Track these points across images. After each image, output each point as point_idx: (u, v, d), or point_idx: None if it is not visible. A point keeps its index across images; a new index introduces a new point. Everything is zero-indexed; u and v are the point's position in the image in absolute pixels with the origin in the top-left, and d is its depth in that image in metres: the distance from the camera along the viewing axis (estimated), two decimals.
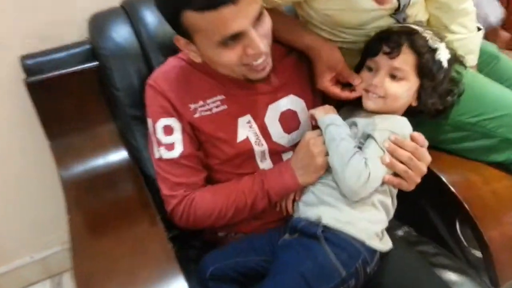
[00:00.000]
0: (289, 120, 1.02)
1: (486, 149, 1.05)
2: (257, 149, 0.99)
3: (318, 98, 1.06)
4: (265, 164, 1.01)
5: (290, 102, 1.02)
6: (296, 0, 0.98)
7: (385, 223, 0.93)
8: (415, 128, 0.94)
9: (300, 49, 1.03)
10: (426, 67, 0.93)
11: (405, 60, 0.93)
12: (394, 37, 0.94)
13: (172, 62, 1.00)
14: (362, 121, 0.95)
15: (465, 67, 1.01)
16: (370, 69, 0.97)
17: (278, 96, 1.01)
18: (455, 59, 0.99)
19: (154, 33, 1.15)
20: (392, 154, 0.88)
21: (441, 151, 1.08)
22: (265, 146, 0.99)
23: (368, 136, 0.92)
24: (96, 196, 1.05)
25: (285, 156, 1.02)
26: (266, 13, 0.85)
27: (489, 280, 1.00)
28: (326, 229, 0.88)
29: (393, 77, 0.93)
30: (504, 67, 1.19)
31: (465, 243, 1.08)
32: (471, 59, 1.12)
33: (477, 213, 0.99)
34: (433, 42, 0.94)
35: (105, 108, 1.18)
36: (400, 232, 1.16)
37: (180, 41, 0.88)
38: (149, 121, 0.98)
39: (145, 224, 0.96)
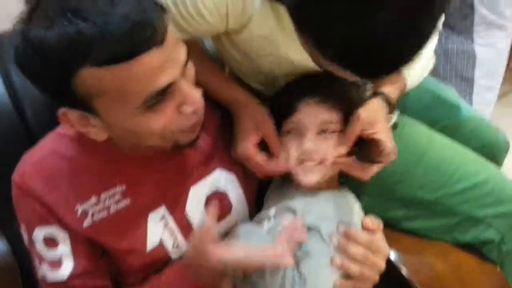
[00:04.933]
0: (218, 206, 0.76)
1: (448, 228, 0.88)
2: (175, 253, 0.75)
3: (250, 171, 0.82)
4: None
5: (218, 179, 0.78)
6: (216, 32, 0.76)
7: None
8: (360, 202, 0.78)
9: (221, 103, 0.81)
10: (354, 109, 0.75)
11: (334, 109, 0.75)
12: (315, 83, 0.76)
13: (48, 143, 0.72)
14: (300, 206, 0.74)
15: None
16: (289, 132, 0.76)
17: (202, 172, 0.77)
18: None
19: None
20: (343, 252, 0.69)
21: (395, 229, 0.90)
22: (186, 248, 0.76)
23: (309, 230, 0.71)
24: None
25: None
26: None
27: None
28: None
29: (323, 132, 0.74)
30: (464, 120, 1.02)
31: None
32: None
33: None
34: None
35: None
36: None
37: (70, 116, 0.61)
38: (22, 227, 0.72)
39: None
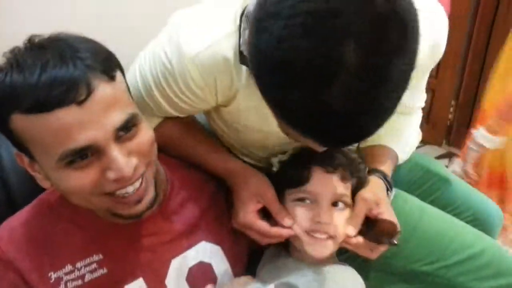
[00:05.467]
0: (201, 278, 0.75)
1: None
2: None
3: (239, 242, 0.80)
4: None
5: (203, 251, 0.76)
6: (208, 107, 0.77)
7: None
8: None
9: (219, 175, 0.81)
10: (360, 185, 0.76)
11: (347, 182, 0.75)
12: (328, 155, 0.74)
13: (28, 210, 0.73)
14: (303, 283, 0.71)
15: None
16: (300, 200, 0.74)
17: (185, 244, 0.75)
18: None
19: None
20: None
21: None
22: None
23: None
24: None
25: None
26: (143, 123, 0.64)
27: None
28: None
29: (336, 205, 0.74)
30: (456, 193, 1.03)
31: None
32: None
33: None
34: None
35: None
36: None
37: (23, 159, 0.64)
38: None
39: None
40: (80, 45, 0.58)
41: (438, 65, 1.53)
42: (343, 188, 0.74)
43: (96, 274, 0.69)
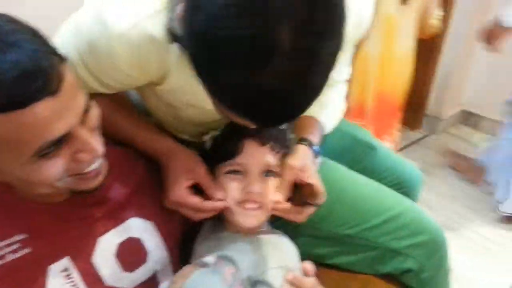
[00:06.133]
0: (130, 253, 0.75)
1: (369, 261, 0.93)
2: None
3: (172, 218, 0.81)
4: None
5: (131, 228, 0.76)
6: (140, 84, 0.77)
7: None
8: None
9: (152, 154, 0.81)
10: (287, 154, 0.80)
11: (277, 153, 0.78)
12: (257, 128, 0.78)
13: None
14: (241, 256, 0.73)
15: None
16: (232, 172, 0.76)
17: (113, 222, 0.74)
18: None
19: None
20: None
21: (321, 265, 0.94)
22: None
23: (257, 283, 0.70)
24: None
25: None
26: (93, 102, 0.64)
27: None
28: None
29: (265, 175, 0.77)
30: (381, 159, 1.09)
31: None
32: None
33: None
34: None
35: None
36: None
37: None
38: None
39: None
40: (14, 26, 0.53)
41: None
42: (272, 159, 0.77)
43: (18, 254, 0.66)
